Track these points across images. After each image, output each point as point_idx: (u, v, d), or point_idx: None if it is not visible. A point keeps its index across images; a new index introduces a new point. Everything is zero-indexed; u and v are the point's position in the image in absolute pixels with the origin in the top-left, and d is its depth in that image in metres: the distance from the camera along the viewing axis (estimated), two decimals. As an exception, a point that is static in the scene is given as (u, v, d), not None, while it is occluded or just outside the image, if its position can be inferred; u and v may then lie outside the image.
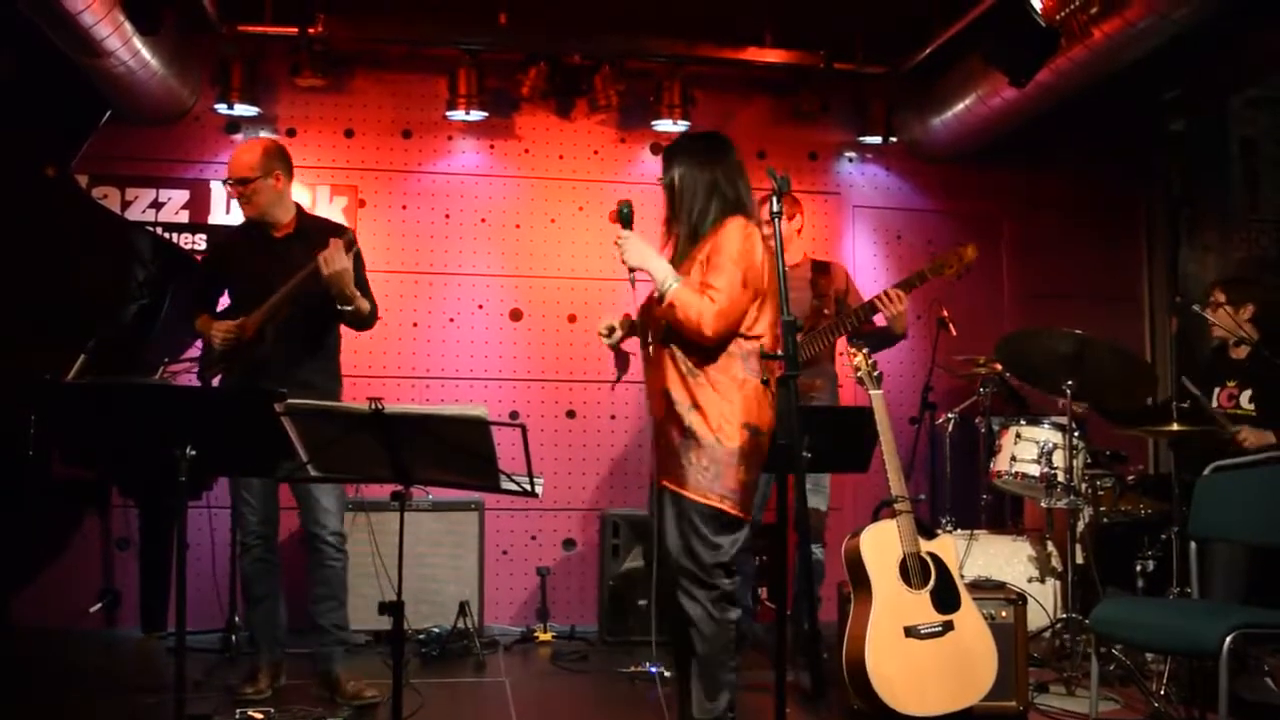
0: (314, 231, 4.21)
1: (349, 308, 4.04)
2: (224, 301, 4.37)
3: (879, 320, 4.76)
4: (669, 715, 3.55)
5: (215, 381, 4.18)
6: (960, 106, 5.68)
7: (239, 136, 5.75)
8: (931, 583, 3.79)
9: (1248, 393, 4.78)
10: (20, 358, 4.35)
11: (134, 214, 5.61)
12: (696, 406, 3.24)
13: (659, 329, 3.35)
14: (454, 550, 5.30)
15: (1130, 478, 5.13)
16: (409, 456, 2.84)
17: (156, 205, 5.67)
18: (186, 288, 4.74)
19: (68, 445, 3.57)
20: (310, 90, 5.69)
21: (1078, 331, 4.54)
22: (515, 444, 2.91)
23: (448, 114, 5.73)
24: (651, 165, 6.10)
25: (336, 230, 4.20)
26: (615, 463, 5.89)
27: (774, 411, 3.24)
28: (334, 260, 3.88)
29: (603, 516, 5.51)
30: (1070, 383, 4.56)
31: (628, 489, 5.90)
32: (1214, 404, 4.84)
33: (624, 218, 3.39)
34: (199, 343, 5.01)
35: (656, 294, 3.30)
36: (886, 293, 4.67)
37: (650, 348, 3.40)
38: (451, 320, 5.88)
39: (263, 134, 5.74)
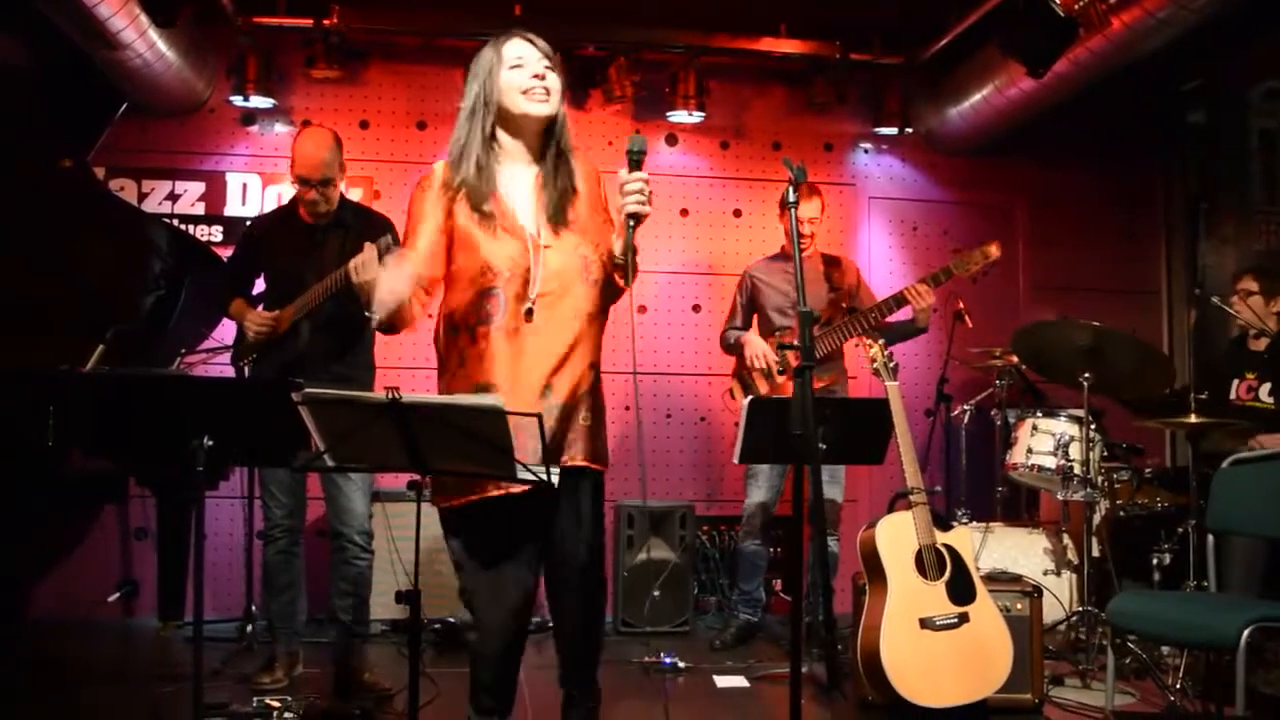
0: (355, 221, 4.18)
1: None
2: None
3: (903, 313, 4.77)
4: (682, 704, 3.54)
5: (246, 370, 4.20)
6: (977, 97, 5.65)
7: (255, 128, 5.77)
8: (947, 575, 3.78)
9: (1267, 385, 4.76)
10: (37, 349, 4.37)
11: (150, 206, 5.64)
12: (599, 380, 3.01)
13: (591, 293, 2.94)
14: (469, 541, 5.30)
15: (1147, 470, 5.12)
16: (426, 446, 2.84)
17: (173, 197, 5.69)
18: (203, 279, 4.76)
19: (85, 436, 3.59)
20: (325, 82, 5.70)
21: (1095, 324, 4.52)
22: (531, 435, 2.91)
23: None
24: (667, 156, 6.10)
25: (377, 222, 4.18)
26: (629, 454, 5.88)
27: None
28: (366, 269, 3.82)
29: (617, 508, 5.51)
30: (1087, 375, 4.54)
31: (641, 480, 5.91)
32: (1233, 396, 4.82)
33: (641, 157, 2.87)
34: (218, 333, 5.05)
35: (620, 258, 2.88)
36: (915, 287, 4.68)
37: (573, 314, 2.92)
38: (466, 312, 5.87)
39: (278, 126, 5.75)
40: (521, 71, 2.88)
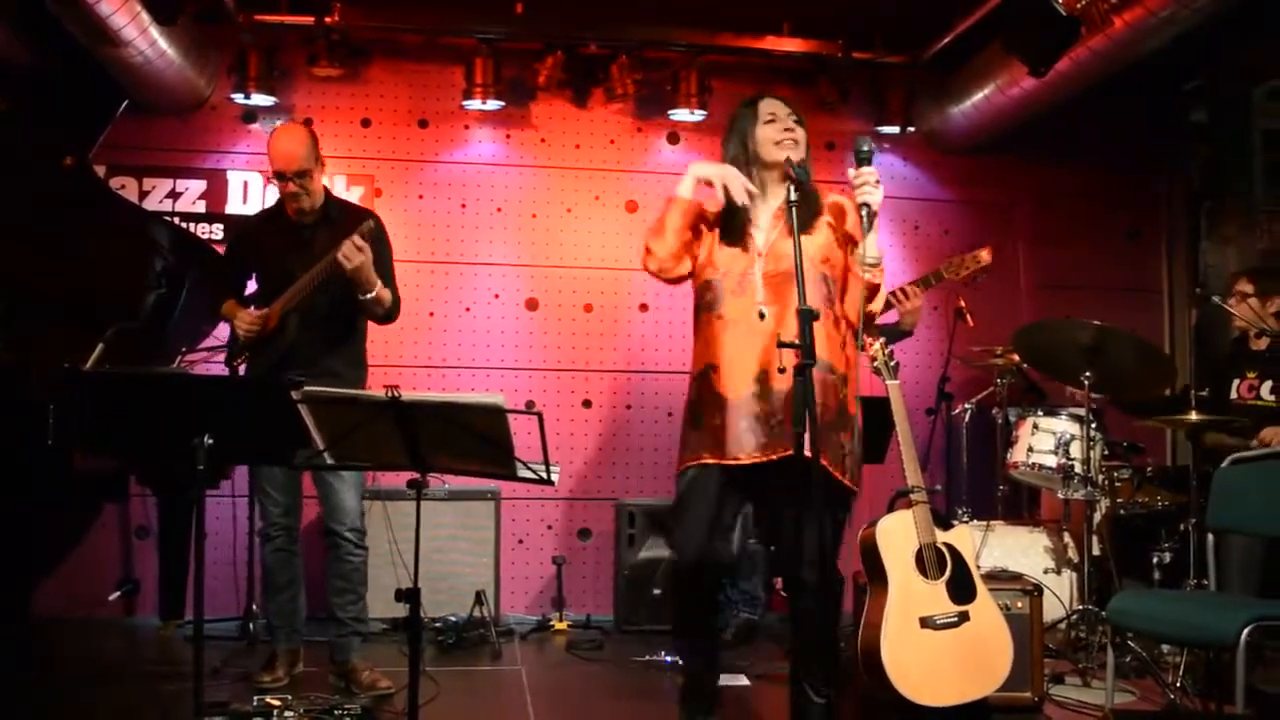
0: (340, 216, 4.18)
1: (370, 295, 3.99)
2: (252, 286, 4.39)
3: (890, 316, 4.74)
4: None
5: (241, 369, 4.20)
6: (979, 96, 5.65)
7: (256, 126, 5.76)
8: (947, 573, 3.77)
9: (1269, 384, 4.76)
10: (39, 347, 4.37)
11: (151, 204, 5.63)
12: (848, 381, 3.34)
13: (826, 290, 3.33)
14: (470, 539, 5.32)
15: (1148, 469, 5.11)
16: (426, 444, 2.85)
17: (174, 195, 5.69)
18: (204, 277, 4.76)
19: (86, 434, 3.59)
20: (327, 80, 5.69)
21: (1096, 323, 4.51)
22: (532, 433, 2.91)
23: (464, 103, 5.73)
24: (668, 155, 6.09)
25: (362, 215, 4.19)
26: (631, 452, 5.89)
27: None
28: (353, 257, 3.84)
29: (618, 506, 5.52)
30: (1088, 374, 4.54)
31: (643, 478, 5.90)
32: (1234, 395, 4.81)
33: (869, 156, 3.21)
34: (218, 331, 5.06)
35: (867, 258, 3.18)
36: (902, 289, 4.66)
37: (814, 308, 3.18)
38: (468, 310, 5.88)
39: (279, 122, 5.75)
40: (775, 126, 3.36)
